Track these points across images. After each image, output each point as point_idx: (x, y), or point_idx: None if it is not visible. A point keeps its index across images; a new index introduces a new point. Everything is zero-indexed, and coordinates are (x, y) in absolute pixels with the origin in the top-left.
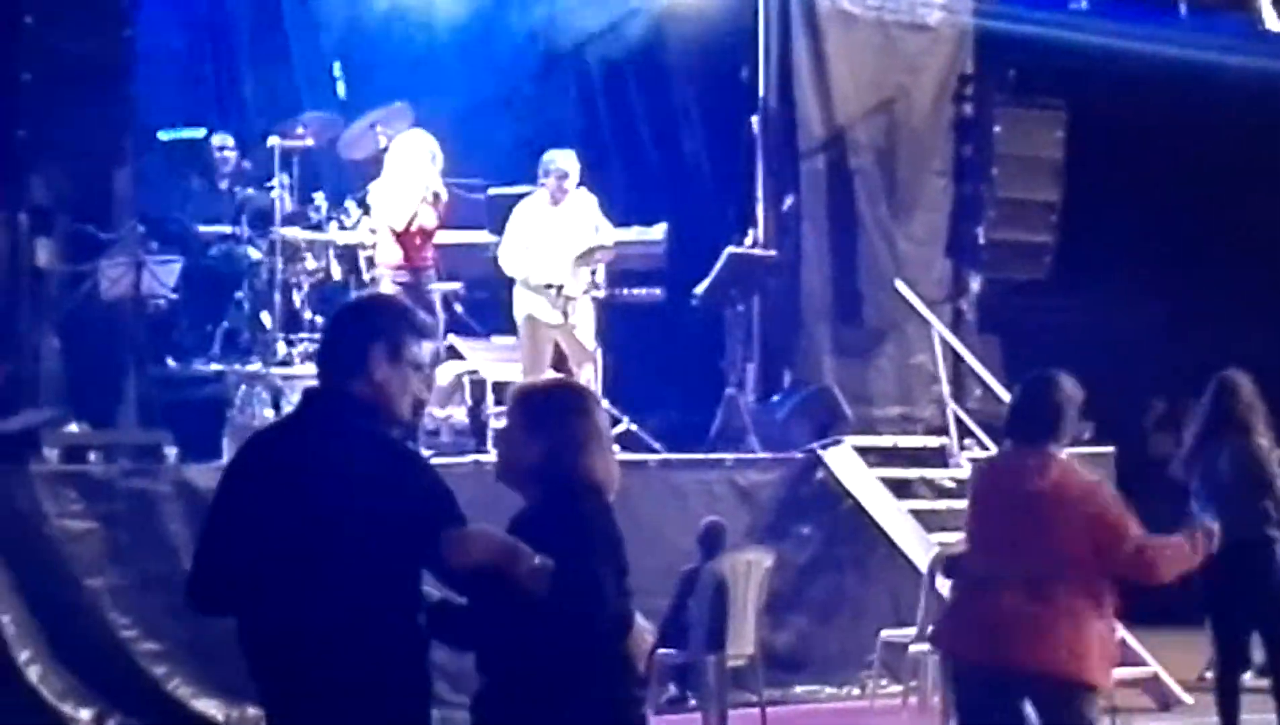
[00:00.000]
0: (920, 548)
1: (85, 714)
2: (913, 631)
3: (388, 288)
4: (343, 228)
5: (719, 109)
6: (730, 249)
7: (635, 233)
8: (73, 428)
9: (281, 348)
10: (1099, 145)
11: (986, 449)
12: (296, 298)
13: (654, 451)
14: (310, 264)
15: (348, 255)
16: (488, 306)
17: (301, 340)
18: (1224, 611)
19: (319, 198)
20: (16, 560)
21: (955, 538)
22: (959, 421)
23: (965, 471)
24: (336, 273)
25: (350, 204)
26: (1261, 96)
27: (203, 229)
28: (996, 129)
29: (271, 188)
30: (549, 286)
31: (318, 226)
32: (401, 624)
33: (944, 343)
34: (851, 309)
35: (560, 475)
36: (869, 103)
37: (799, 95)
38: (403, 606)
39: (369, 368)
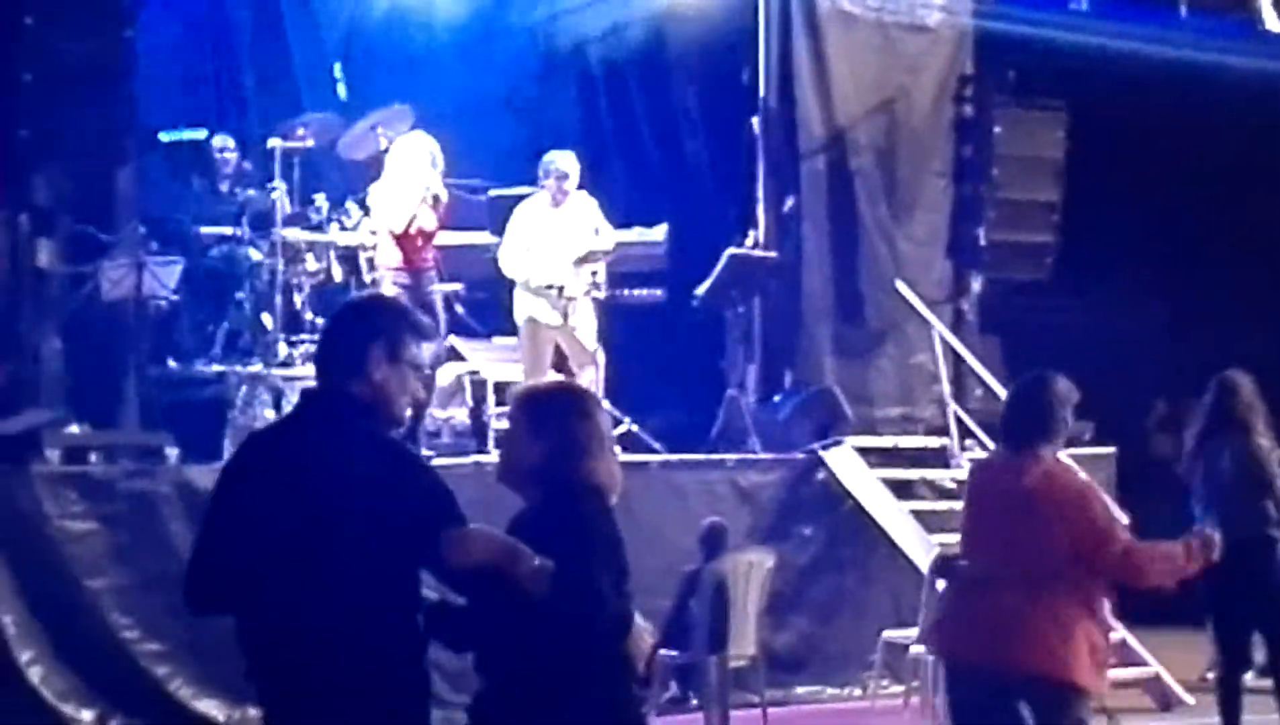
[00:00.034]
0: (921, 548)
1: (87, 715)
2: (914, 632)
3: (388, 289)
4: (344, 229)
5: (719, 110)
6: (731, 250)
7: (636, 234)
8: (74, 429)
9: (283, 349)
10: (1099, 146)
11: (987, 450)
12: (297, 299)
13: (655, 452)
14: (311, 265)
15: (349, 256)
16: (489, 307)
17: (303, 341)
18: (1225, 611)
19: (320, 199)
20: (18, 561)
21: (956, 538)
22: (960, 422)
23: (966, 472)
24: (337, 274)
25: (351, 205)
26: (1262, 97)
27: (204, 230)
28: (997, 129)
29: (273, 189)
30: (549, 287)
31: (318, 228)
32: (401, 624)
33: (945, 343)
34: (852, 310)
35: (561, 477)
36: (869, 103)
37: (799, 96)
38: (402, 606)
39: (368, 368)
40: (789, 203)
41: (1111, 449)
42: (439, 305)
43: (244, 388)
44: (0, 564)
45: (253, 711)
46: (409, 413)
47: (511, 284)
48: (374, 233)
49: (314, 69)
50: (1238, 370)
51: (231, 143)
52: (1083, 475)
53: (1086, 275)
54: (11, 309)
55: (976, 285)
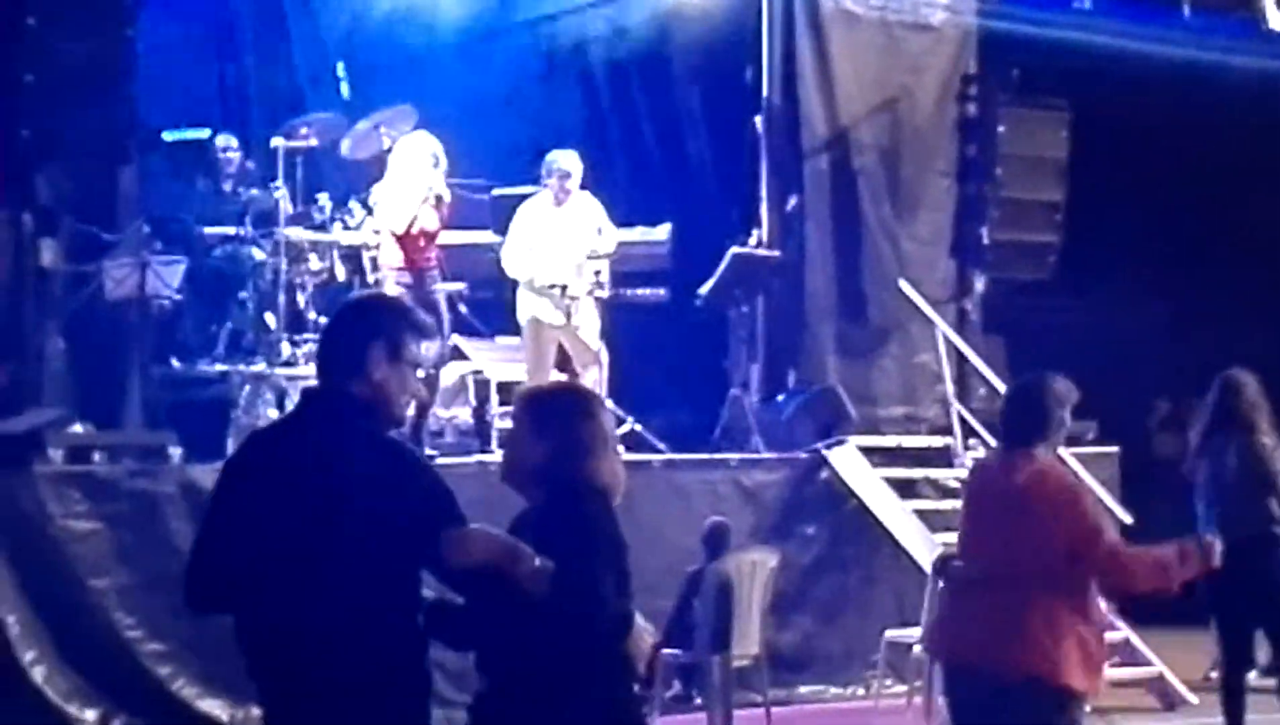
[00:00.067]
0: (924, 548)
1: (90, 714)
2: (917, 632)
3: (391, 289)
4: (346, 228)
5: (723, 109)
6: (734, 249)
7: (639, 233)
8: (77, 428)
9: (286, 348)
10: (1103, 145)
11: (991, 449)
12: (301, 298)
13: (658, 452)
14: (314, 264)
15: (352, 256)
16: (492, 307)
17: (306, 341)
18: (1228, 610)
19: (323, 198)
20: (21, 561)
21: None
22: (963, 421)
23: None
24: (340, 273)
25: (354, 204)
26: (1264, 96)
27: (207, 230)
28: (1000, 129)
29: (276, 188)
30: (552, 287)
31: (321, 227)
32: (401, 624)
33: (948, 343)
34: (856, 309)
35: (565, 477)
36: (872, 102)
37: (802, 95)
38: (402, 606)
39: (368, 367)
40: (792, 202)
41: (1114, 448)
42: (442, 305)
43: (247, 387)
44: (3, 564)
45: (256, 711)
46: (411, 412)
47: (514, 283)
48: (377, 232)
49: (316, 68)
50: (1241, 369)
51: (234, 142)
52: (1077, 475)
53: (1090, 275)
54: (15, 308)
55: (980, 285)
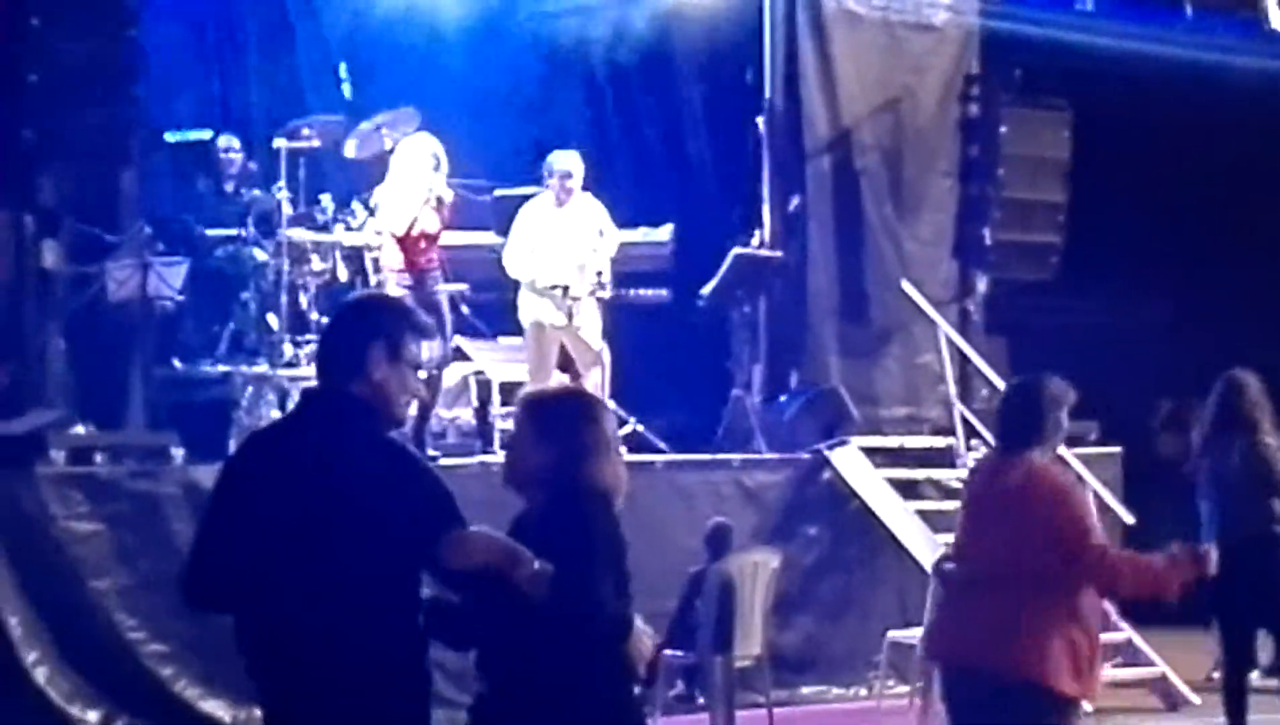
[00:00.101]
0: (927, 548)
1: (93, 715)
2: (919, 632)
3: (393, 291)
4: (349, 229)
5: (724, 110)
6: (736, 250)
7: (641, 234)
8: (79, 429)
9: (288, 349)
10: (1105, 146)
11: (989, 450)
12: (303, 299)
13: (660, 452)
14: (316, 265)
15: (354, 257)
16: (494, 308)
17: (308, 342)
18: (1231, 610)
19: (325, 199)
20: (23, 562)
21: None
22: (965, 422)
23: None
24: (343, 274)
25: (356, 205)
26: (1267, 96)
27: (209, 231)
28: (1002, 129)
29: (278, 189)
30: (554, 288)
31: (324, 228)
32: (400, 624)
33: (950, 343)
34: (858, 309)
35: (567, 481)
36: (875, 103)
37: (804, 96)
38: (401, 607)
39: (368, 368)
40: (794, 202)
41: (1117, 448)
42: (444, 306)
43: (249, 388)
44: (5, 565)
45: (258, 712)
46: (414, 413)
47: (516, 284)
48: (379, 234)
49: (319, 69)
50: (1244, 369)
51: (236, 143)
52: (1071, 477)
53: (1092, 275)
54: (16, 309)
55: (982, 285)
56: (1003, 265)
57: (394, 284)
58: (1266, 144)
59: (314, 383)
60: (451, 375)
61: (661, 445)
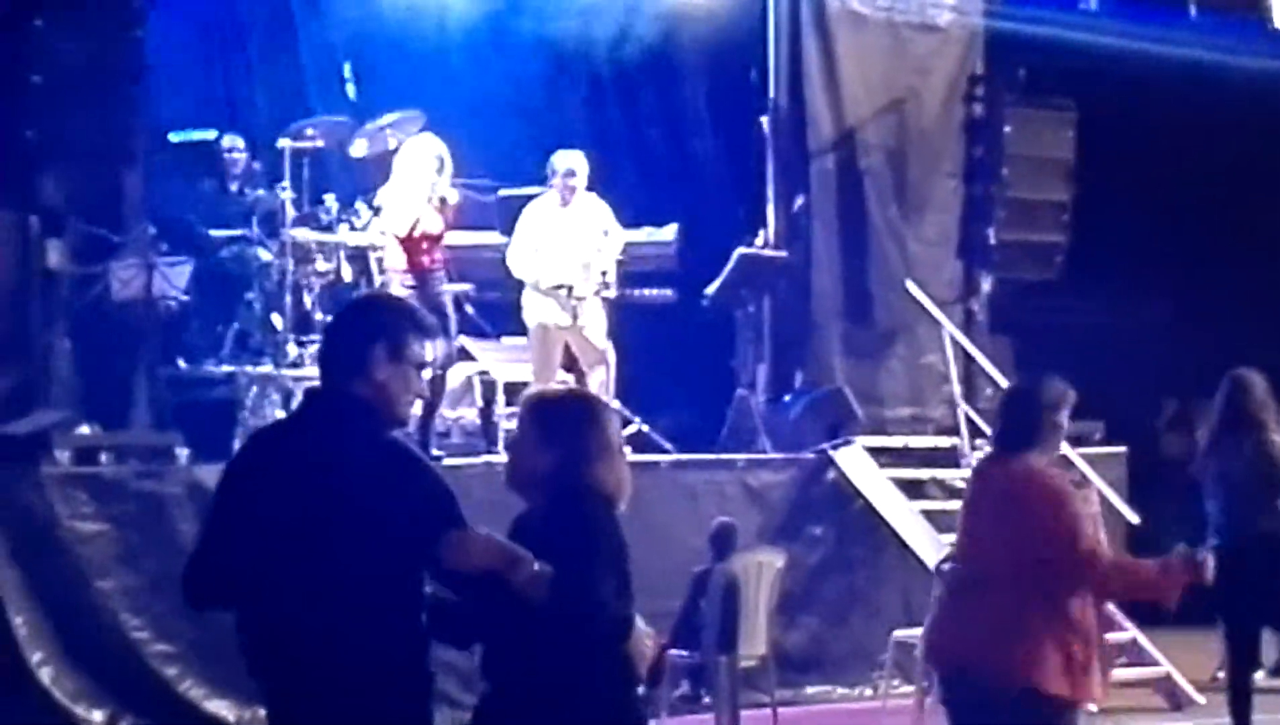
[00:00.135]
0: (931, 548)
1: (98, 715)
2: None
3: (397, 292)
4: (353, 229)
5: (729, 110)
6: (741, 250)
7: (646, 234)
8: (84, 429)
9: (292, 349)
10: (1109, 145)
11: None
12: (307, 299)
13: (665, 452)
14: (321, 265)
15: (358, 257)
16: (498, 307)
17: (312, 342)
18: (1236, 610)
19: (329, 199)
20: (28, 562)
21: None
22: (970, 422)
23: None
24: (347, 274)
25: (361, 205)
26: (1270, 96)
27: (213, 231)
28: (1007, 129)
29: (282, 189)
30: (559, 288)
31: (328, 228)
32: (401, 624)
33: (955, 343)
34: (862, 309)
35: (569, 483)
36: (879, 103)
37: (809, 96)
38: (403, 606)
39: (370, 368)
40: (799, 202)
41: (1122, 448)
42: (449, 306)
43: (254, 388)
44: (10, 565)
45: (263, 712)
46: (418, 413)
47: (521, 284)
48: (383, 234)
49: (323, 69)
50: (1249, 369)
51: (241, 143)
52: (1065, 480)
53: (1097, 275)
54: (21, 310)
55: (987, 285)
56: (1007, 265)
57: (398, 285)
58: (1271, 143)
59: (317, 383)
60: (456, 375)
61: (666, 445)
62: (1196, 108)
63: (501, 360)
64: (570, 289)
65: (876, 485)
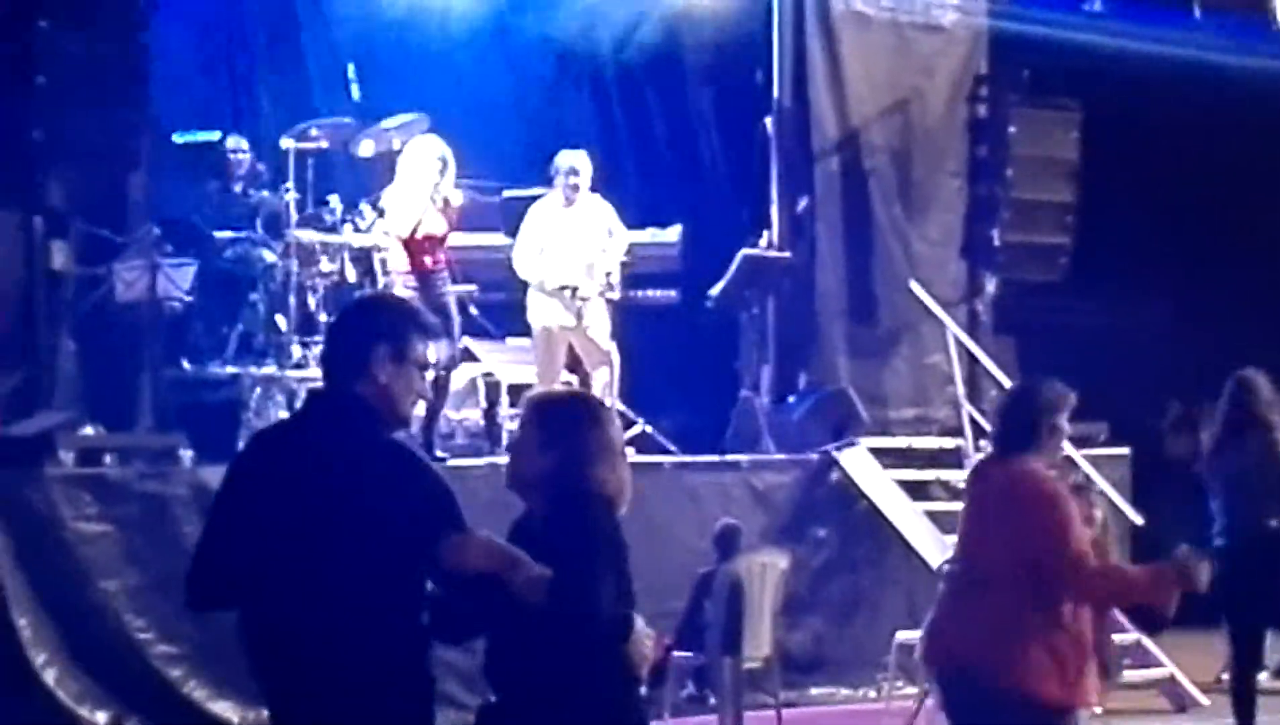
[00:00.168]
0: (935, 549)
1: (102, 717)
2: None
3: (400, 293)
4: (357, 230)
5: (733, 111)
6: (745, 251)
7: (650, 235)
8: (88, 430)
9: (296, 350)
10: (1113, 146)
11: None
12: (311, 300)
13: (669, 453)
14: (325, 266)
15: (362, 258)
16: (502, 309)
17: (316, 343)
18: (1241, 611)
19: (333, 200)
20: (32, 563)
21: None
22: (974, 423)
23: None
24: (351, 275)
25: (365, 206)
26: (1275, 97)
27: (217, 232)
28: (1011, 130)
29: (286, 190)
30: (563, 289)
31: (332, 229)
32: (402, 624)
33: (959, 344)
34: (866, 310)
35: (569, 485)
36: (883, 104)
37: (813, 97)
38: (403, 607)
39: (372, 368)
40: (803, 203)
41: (1126, 450)
42: (452, 307)
43: (258, 389)
44: (15, 566)
45: (267, 713)
46: (422, 414)
47: (525, 286)
48: (386, 235)
49: (327, 70)
50: (1255, 369)
51: (245, 144)
52: (1058, 484)
53: (1101, 276)
54: (26, 311)
55: (991, 286)
56: (1011, 266)
57: (401, 286)
58: (1275, 144)
59: (321, 383)
60: (460, 376)
61: (670, 446)
62: (1201, 108)
63: (505, 361)
64: (575, 290)
65: (880, 486)
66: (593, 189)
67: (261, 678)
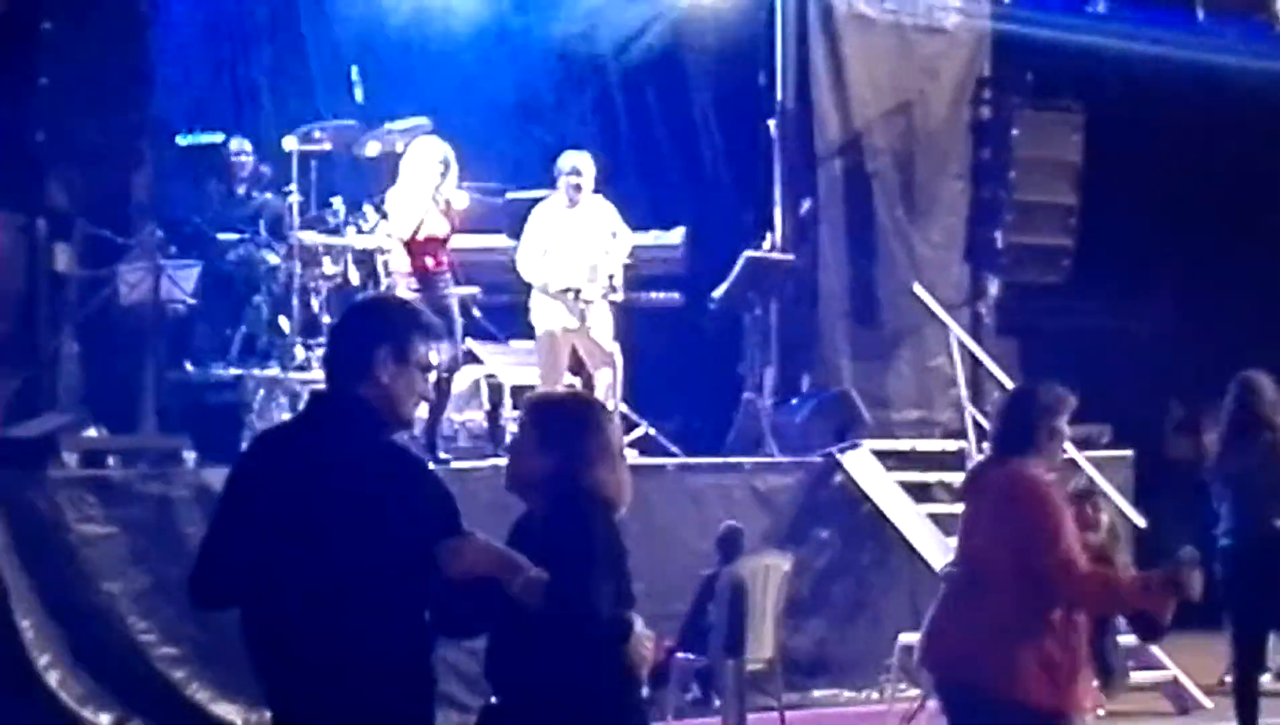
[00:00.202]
0: (938, 551)
1: (105, 718)
2: None
3: (402, 294)
4: (360, 232)
5: (736, 113)
6: (748, 253)
7: (653, 237)
8: (92, 432)
9: (300, 352)
10: (1116, 148)
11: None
12: (314, 302)
13: (672, 455)
14: (328, 268)
15: (365, 260)
16: (506, 311)
17: (319, 345)
18: (1245, 612)
19: (337, 202)
20: (36, 565)
21: None
22: (977, 425)
23: None
24: (354, 277)
25: (368, 208)
26: (1277, 99)
27: (220, 234)
28: (1014, 132)
29: (289, 192)
30: (566, 291)
31: (335, 231)
32: (403, 625)
33: (962, 346)
34: (869, 312)
35: (568, 487)
36: (886, 106)
37: (816, 99)
38: (404, 608)
39: (375, 370)
40: (806, 206)
41: (1128, 452)
42: (454, 309)
43: (261, 391)
44: (18, 568)
45: (269, 715)
46: (424, 415)
47: (529, 288)
48: (389, 237)
49: (330, 72)
50: (1258, 371)
51: (248, 146)
52: (1052, 487)
53: (1103, 278)
54: (29, 313)
55: (994, 288)
56: (1014, 268)
57: (403, 287)
58: (1278, 146)
59: (324, 385)
60: (463, 378)
61: (673, 448)
62: (1204, 111)
63: (509, 363)
64: (578, 292)
65: (883, 488)
66: (595, 191)
67: (263, 677)
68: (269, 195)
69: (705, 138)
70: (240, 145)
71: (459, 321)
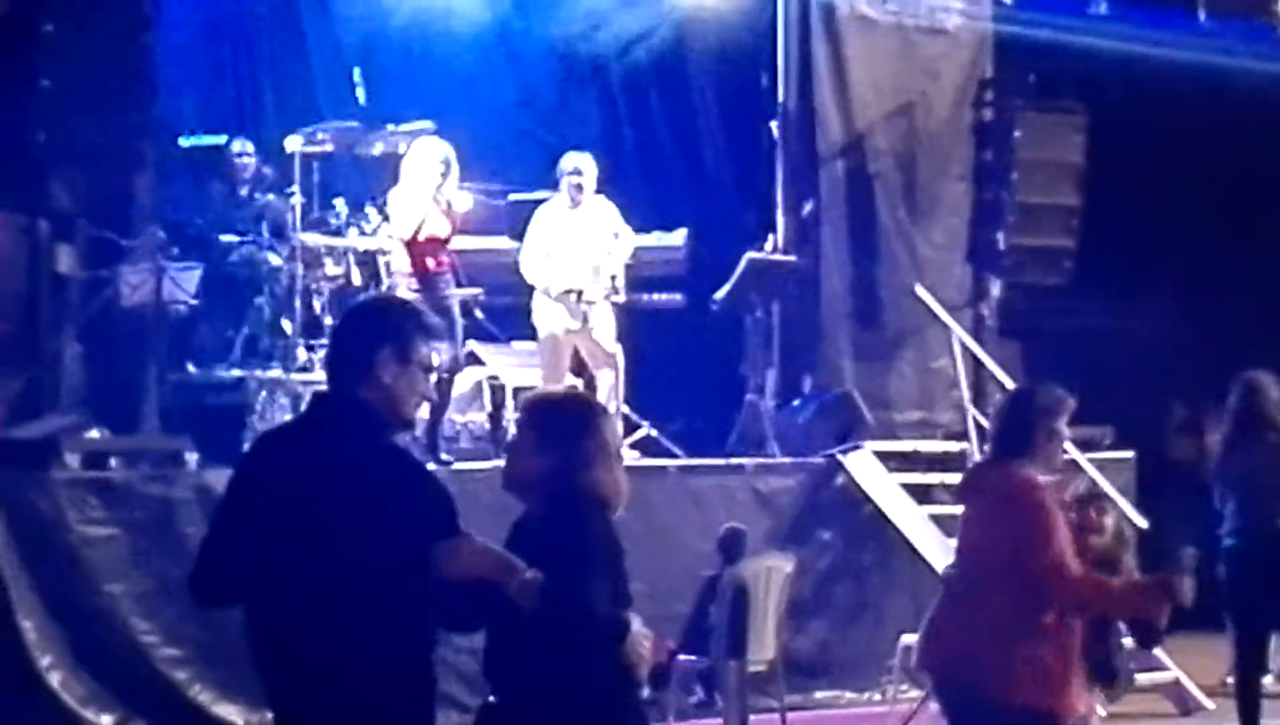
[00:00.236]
0: (940, 553)
1: (107, 720)
2: None
3: (403, 295)
4: (362, 234)
5: (739, 115)
6: (750, 254)
7: (655, 239)
8: (94, 434)
9: (302, 353)
10: (1119, 150)
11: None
12: (317, 303)
13: (674, 457)
14: (330, 269)
15: (368, 261)
16: (508, 312)
17: (322, 346)
18: (1247, 613)
19: (339, 203)
20: (38, 566)
21: None
22: (979, 427)
23: None
24: (357, 278)
25: (370, 210)
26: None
27: (223, 236)
28: (1016, 133)
29: (291, 194)
30: (568, 293)
31: (337, 232)
32: (403, 625)
33: (964, 348)
34: (871, 314)
35: (565, 487)
36: (888, 107)
37: (818, 100)
38: (404, 609)
39: (376, 370)
40: (808, 207)
41: (1130, 453)
42: (455, 310)
43: (263, 393)
44: (20, 569)
45: (272, 716)
46: (426, 416)
47: (531, 289)
48: (391, 238)
49: (333, 73)
50: (1261, 371)
51: (250, 147)
52: (1048, 491)
53: (1106, 280)
54: (31, 314)
55: (996, 290)
56: (1016, 269)
57: (404, 288)
58: None
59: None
60: (465, 380)
61: (675, 450)
62: (1206, 112)
63: (511, 365)
64: (580, 294)
65: (885, 490)
66: (597, 192)
67: (264, 677)
68: (271, 196)
69: (707, 139)
70: (242, 146)
71: (460, 322)
